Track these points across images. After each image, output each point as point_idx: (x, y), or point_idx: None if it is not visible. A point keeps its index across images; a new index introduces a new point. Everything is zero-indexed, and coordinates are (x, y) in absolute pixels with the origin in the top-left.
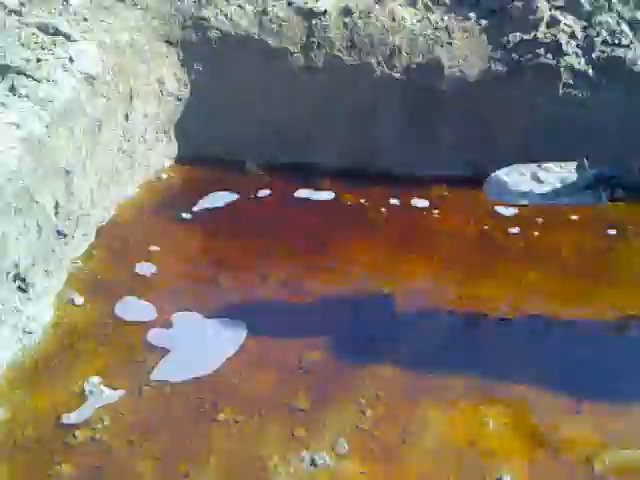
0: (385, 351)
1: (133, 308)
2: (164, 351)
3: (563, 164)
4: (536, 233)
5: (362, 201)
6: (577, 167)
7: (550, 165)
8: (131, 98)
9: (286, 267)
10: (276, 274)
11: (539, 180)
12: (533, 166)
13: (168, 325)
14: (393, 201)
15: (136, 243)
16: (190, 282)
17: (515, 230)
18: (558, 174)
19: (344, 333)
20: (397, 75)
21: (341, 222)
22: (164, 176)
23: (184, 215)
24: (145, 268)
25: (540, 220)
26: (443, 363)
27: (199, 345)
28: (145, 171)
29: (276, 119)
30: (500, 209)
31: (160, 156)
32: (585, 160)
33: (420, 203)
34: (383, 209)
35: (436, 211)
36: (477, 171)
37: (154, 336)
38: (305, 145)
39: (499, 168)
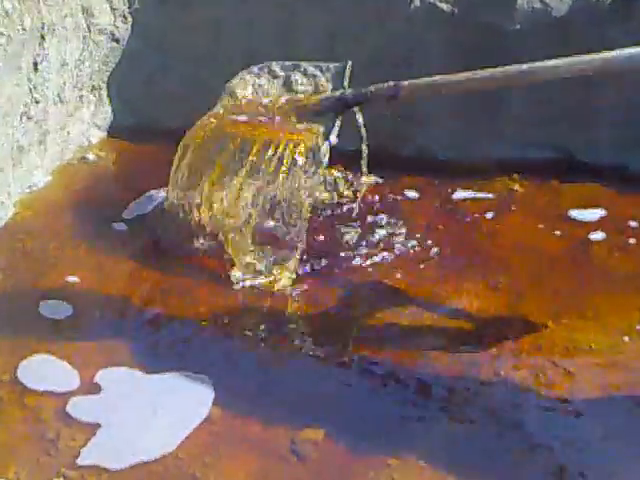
0: (412, 436)
1: (43, 369)
2: (92, 427)
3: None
4: None
5: (390, 199)
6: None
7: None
8: (42, 38)
9: None
10: None
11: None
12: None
13: (95, 390)
14: (434, 198)
15: (45, 266)
16: (124, 326)
17: (600, 236)
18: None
19: (356, 405)
20: (445, 6)
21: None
22: (90, 156)
23: (115, 225)
24: (58, 308)
25: None
26: (495, 463)
27: (142, 416)
28: (62, 149)
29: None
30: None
31: (85, 126)
32: (347, 67)
33: (476, 201)
34: (420, 210)
35: (500, 211)
36: (563, 154)
37: (76, 407)
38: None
39: (595, 150)
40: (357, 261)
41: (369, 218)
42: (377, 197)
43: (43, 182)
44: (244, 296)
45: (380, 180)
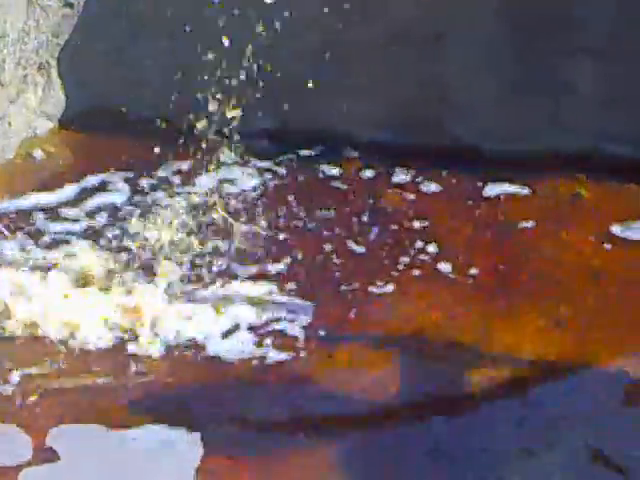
0: None
1: None
2: None
3: None
4: None
5: (419, 200)
6: None
7: None
8: None
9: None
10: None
11: None
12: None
13: (50, 457)
14: (473, 199)
15: None
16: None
17: None
18: None
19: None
20: None
21: (375, 246)
22: (38, 153)
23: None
24: None
25: None
26: None
27: None
28: (1, 145)
29: (259, 49)
30: None
31: (31, 114)
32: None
33: (526, 205)
34: (454, 220)
35: (559, 221)
36: None
37: None
38: (313, 98)
39: None
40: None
41: (392, 226)
42: (404, 195)
43: None
44: None
45: None
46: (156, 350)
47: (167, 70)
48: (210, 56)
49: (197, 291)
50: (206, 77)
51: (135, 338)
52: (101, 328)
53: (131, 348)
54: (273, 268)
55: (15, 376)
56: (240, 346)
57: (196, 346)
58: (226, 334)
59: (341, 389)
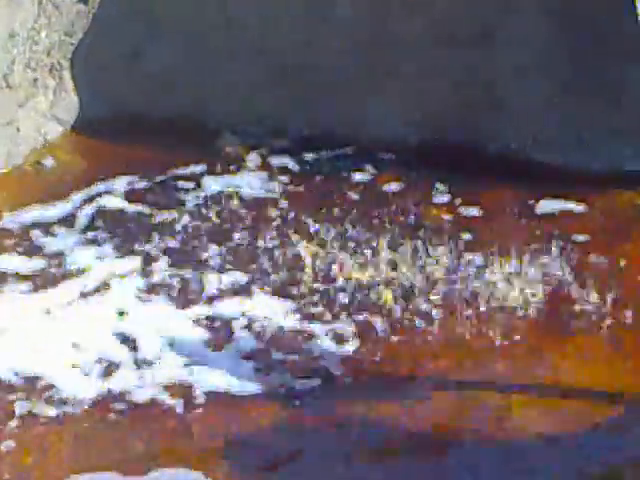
0: None
1: None
2: None
3: None
4: None
5: (465, 217)
6: None
7: None
8: None
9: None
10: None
11: None
12: None
13: None
14: (523, 214)
15: None
16: None
17: None
18: None
19: None
20: None
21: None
22: (48, 161)
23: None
24: None
25: None
26: None
27: None
28: (8, 151)
29: (283, 48)
30: None
31: (41, 119)
32: None
33: (581, 221)
34: (503, 233)
35: (618, 239)
36: None
37: None
38: (343, 100)
39: None
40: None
41: (430, 249)
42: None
43: None
44: None
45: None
46: None
47: (188, 71)
48: (234, 56)
49: None
50: (230, 78)
51: None
52: None
53: None
54: None
55: None
56: None
57: None
58: None
59: None
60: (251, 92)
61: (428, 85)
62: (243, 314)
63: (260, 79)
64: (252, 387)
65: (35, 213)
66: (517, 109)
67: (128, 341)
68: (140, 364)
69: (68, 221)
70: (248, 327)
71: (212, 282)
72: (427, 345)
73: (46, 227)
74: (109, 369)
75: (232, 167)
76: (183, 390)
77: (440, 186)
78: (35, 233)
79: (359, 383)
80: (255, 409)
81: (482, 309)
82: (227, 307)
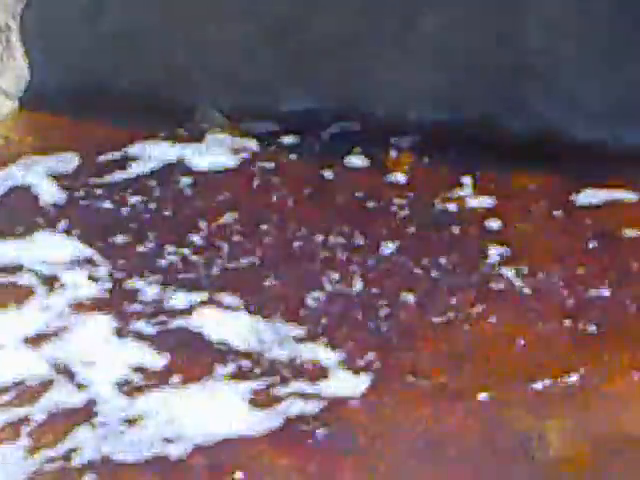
0: None
1: None
2: None
3: None
4: None
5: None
6: None
7: None
8: None
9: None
10: None
11: None
12: None
13: None
14: (563, 205)
15: None
16: None
17: None
18: None
19: None
20: None
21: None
22: None
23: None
24: None
25: None
26: None
27: None
28: None
29: (276, 5)
30: None
31: None
32: None
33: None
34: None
35: None
36: None
37: None
38: (357, 70)
39: None
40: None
41: (469, 249)
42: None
43: None
44: None
45: None
46: None
47: (160, 32)
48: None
49: None
50: (212, 40)
51: None
52: None
53: None
54: None
55: None
56: None
57: None
58: None
59: None
60: (237, 58)
61: (455, 50)
62: None
63: (246, 42)
64: None
65: None
66: (554, 77)
67: None
68: None
69: None
70: None
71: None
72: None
73: None
74: None
75: (206, 146)
76: None
77: (465, 169)
78: None
79: None
80: None
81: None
82: None
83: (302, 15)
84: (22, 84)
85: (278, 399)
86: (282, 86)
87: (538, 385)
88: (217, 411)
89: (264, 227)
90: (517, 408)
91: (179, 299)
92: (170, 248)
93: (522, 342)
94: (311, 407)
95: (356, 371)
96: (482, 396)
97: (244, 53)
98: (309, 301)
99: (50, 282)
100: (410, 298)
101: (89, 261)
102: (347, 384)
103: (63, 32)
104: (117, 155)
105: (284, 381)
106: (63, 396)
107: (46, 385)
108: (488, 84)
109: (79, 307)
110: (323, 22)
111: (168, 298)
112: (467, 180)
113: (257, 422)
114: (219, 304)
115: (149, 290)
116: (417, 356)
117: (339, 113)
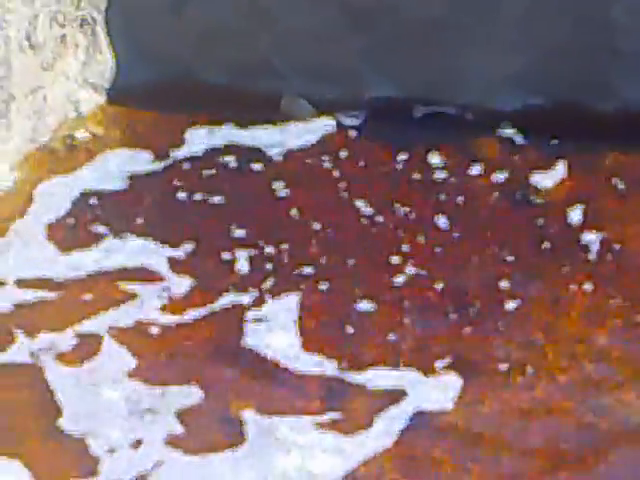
0: None
1: None
2: None
3: None
4: None
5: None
6: None
7: None
8: None
9: None
10: None
11: None
12: None
13: None
14: None
15: None
16: None
17: None
18: None
19: None
20: None
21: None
22: (81, 135)
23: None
24: None
25: None
26: None
27: None
28: (34, 125)
29: None
30: None
31: (72, 85)
32: None
33: None
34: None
35: None
36: None
37: None
38: (440, 54)
39: None
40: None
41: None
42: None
43: (3, 183)
44: None
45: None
46: None
47: (242, 22)
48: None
49: None
50: (293, 28)
51: None
52: None
53: None
54: None
55: None
56: None
57: None
58: None
59: None
60: (319, 45)
61: (541, 32)
62: None
63: (330, 28)
64: None
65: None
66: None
67: None
68: None
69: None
70: None
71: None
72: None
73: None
74: None
75: (294, 136)
76: None
77: (555, 156)
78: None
79: None
80: None
81: None
82: None
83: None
84: (108, 77)
85: None
86: (368, 74)
87: None
88: None
89: None
90: None
91: None
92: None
93: None
94: None
95: None
96: None
97: (329, 40)
98: None
99: None
100: None
101: None
102: None
103: (148, 23)
104: (204, 145)
105: None
106: None
107: None
108: (575, 67)
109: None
110: (409, 7)
111: None
112: (560, 163)
113: None
114: None
115: None
116: None
117: (425, 99)
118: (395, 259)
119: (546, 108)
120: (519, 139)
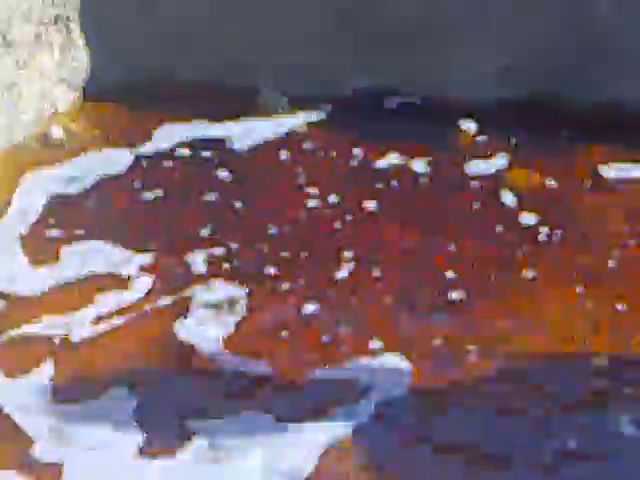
0: None
1: None
2: None
3: None
4: None
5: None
6: None
7: None
8: None
9: None
10: None
11: None
12: None
13: None
14: None
15: None
16: None
17: None
18: None
19: None
20: None
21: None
22: (56, 132)
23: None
24: None
25: None
26: None
27: None
28: (9, 122)
29: None
30: None
31: (47, 83)
32: None
33: None
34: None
35: None
36: None
37: None
38: (419, 51)
39: None
40: None
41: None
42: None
43: None
44: None
45: None
46: None
47: (222, 20)
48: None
49: None
50: (270, 29)
51: None
52: None
53: None
54: None
55: None
56: None
57: None
58: None
59: None
60: (299, 44)
61: (524, 27)
62: None
63: (312, 29)
64: None
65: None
66: (630, 56)
67: None
68: None
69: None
70: None
71: None
72: None
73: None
74: None
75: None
76: None
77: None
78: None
79: None
80: None
81: None
82: None
83: None
84: (83, 74)
85: None
86: (347, 70)
87: None
88: None
89: None
90: None
91: None
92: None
93: None
94: None
95: None
96: None
97: (307, 37)
98: None
99: None
100: None
101: None
102: None
103: (123, 21)
104: (184, 142)
105: None
106: None
107: None
108: (565, 66)
109: None
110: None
111: None
112: (532, 156)
113: None
114: None
115: None
116: None
117: (403, 93)
118: (348, 254)
119: (520, 103)
120: (486, 132)
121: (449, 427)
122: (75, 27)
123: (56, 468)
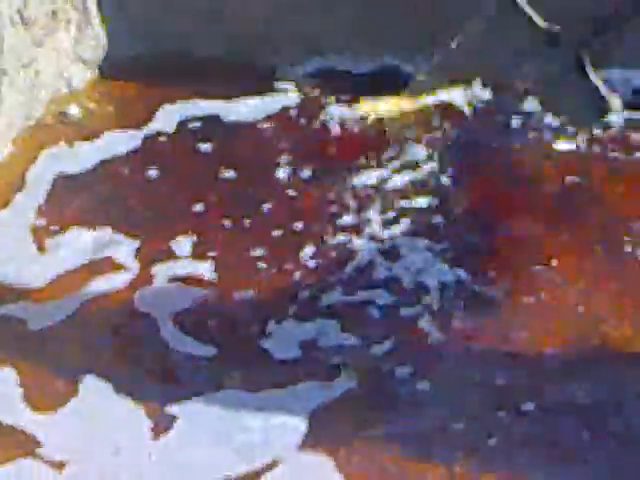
0: None
1: None
2: None
3: None
4: None
5: None
6: None
7: None
8: None
9: None
10: None
11: None
12: None
13: None
14: None
15: None
16: None
17: None
18: None
19: None
20: None
21: None
22: (73, 110)
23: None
24: None
25: None
26: None
27: None
28: (27, 100)
29: None
30: None
31: (64, 60)
32: None
33: None
34: None
35: None
36: None
37: None
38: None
39: None
40: None
41: None
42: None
43: None
44: None
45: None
46: None
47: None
48: None
49: None
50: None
51: None
52: None
53: None
54: None
55: None
56: None
57: None
58: None
59: None
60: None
61: None
62: None
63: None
64: None
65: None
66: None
67: None
68: None
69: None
70: None
71: None
72: None
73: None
74: None
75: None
76: None
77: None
78: None
79: None
80: None
81: None
82: None
83: None
84: (100, 52)
85: None
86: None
87: None
88: None
89: None
90: None
91: None
92: None
93: None
94: None
95: None
96: None
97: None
98: None
99: None
100: None
101: None
102: None
103: None
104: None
105: None
106: None
107: None
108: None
109: None
110: None
111: None
112: None
113: None
114: None
115: None
116: None
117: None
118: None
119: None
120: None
121: None
122: (92, 4)
123: None
